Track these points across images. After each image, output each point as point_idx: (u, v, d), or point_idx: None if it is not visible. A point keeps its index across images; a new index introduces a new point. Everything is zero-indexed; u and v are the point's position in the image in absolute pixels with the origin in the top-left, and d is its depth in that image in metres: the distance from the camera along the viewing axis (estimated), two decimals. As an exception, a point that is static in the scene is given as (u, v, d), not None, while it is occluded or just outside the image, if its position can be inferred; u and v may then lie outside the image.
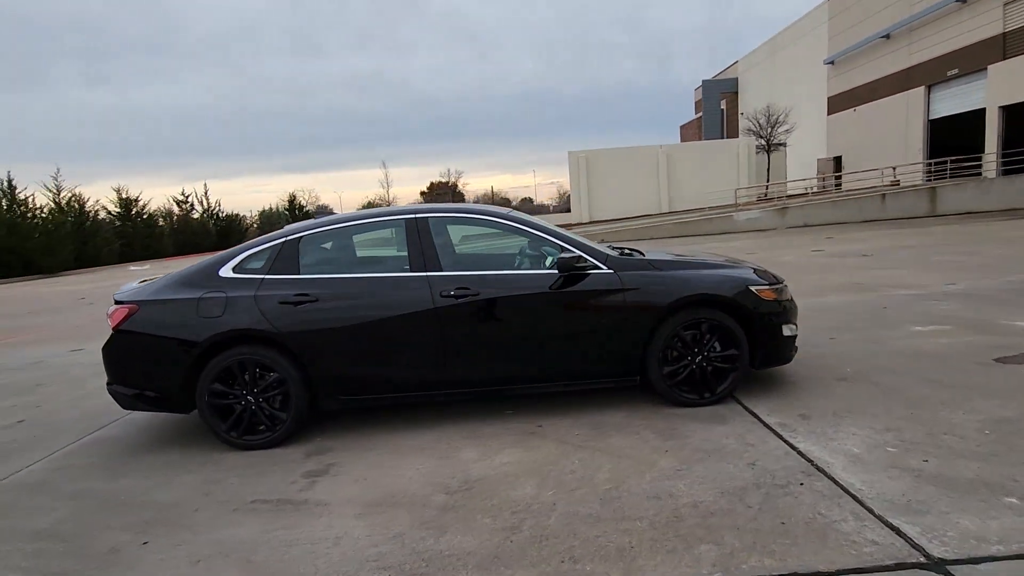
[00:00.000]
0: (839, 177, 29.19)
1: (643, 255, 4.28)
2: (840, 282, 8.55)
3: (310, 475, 3.44)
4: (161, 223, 34.03)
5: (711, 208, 24.43)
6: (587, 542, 2.53)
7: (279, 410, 3.83)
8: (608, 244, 5.18)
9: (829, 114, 32.13)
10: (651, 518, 2.68)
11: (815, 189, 29.59)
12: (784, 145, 32.98)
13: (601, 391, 4.27)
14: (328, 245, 4.08)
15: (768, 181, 31.46)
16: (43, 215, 26.77)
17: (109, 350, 3.88)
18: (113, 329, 3.85)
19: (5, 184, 25.56)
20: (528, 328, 3.87)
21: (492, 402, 4.30)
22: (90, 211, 29.15)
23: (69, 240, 26.00)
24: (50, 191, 28.05)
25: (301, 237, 4.01)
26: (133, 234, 32.49)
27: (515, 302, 3.86)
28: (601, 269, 3.91)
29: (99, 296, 14.64)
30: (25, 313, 13.22)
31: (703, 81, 42.99)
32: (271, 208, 46.37)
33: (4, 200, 25.33)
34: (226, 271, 3.91)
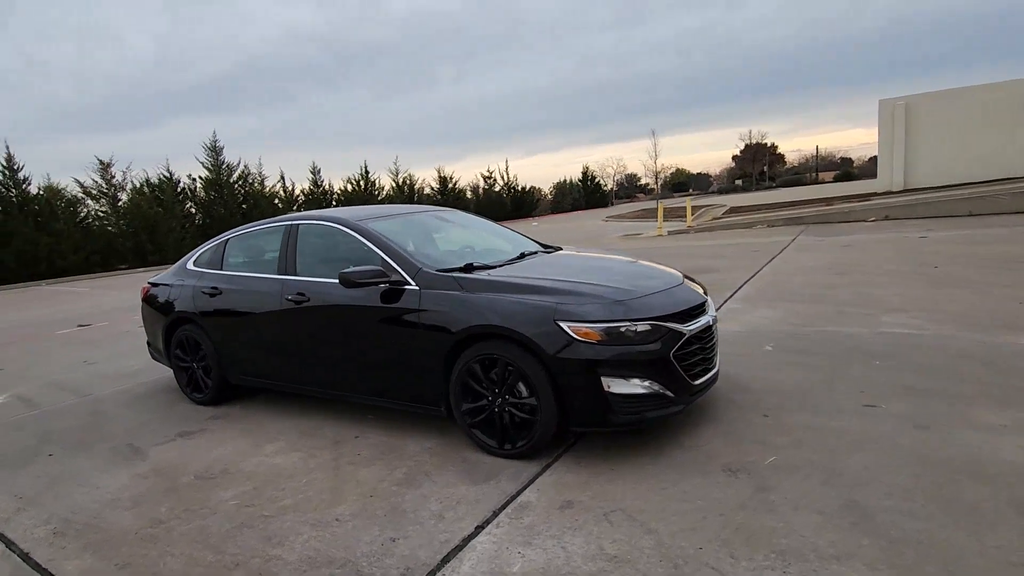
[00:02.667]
0: None
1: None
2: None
3: (180, 435, 4.27)
4: (469, 195, 40.48)
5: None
6: (142, 556, 2.67)
7: (209, 377, 4.77)
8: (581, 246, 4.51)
9: None
10: (207, 563, 2.61)
11: None
12: None
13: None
14: (245, 246, 4.76)
15: None
16: (386, 192, 35.38)
17: (142, 315, 5.44)
18: (142, 300, 5.38)
19: (363, 169, 34.93)
20: (340, 338, 3.86)
21: (371, 405, 4.38)
22: (418, 188, 36.98)
23: (400, 211, 33.80)
24: (391, 173, 36.81)
25: (229, 239, 4.81)
26: (446, 205, 39.51)
27: (331, 312, 3.88)
28: (410, 285, 3.58)
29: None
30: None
31: None
32: (566, 180, 49.79)
33: (361, 181, 34.48)
34: (190, 264, 5.00)
